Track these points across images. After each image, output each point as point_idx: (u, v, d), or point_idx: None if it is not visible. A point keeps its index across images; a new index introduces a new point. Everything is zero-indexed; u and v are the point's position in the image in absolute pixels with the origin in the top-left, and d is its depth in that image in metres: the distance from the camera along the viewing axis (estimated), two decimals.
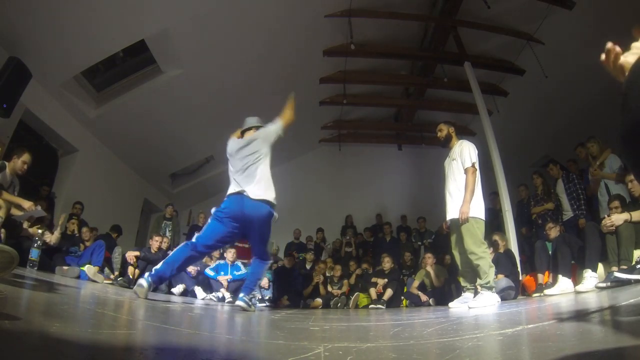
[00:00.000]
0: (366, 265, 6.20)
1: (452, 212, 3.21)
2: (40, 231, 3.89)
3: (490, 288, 2.97)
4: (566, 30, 5.75)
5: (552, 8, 5.61)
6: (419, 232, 7.43)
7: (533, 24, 5.99)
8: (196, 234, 2.79)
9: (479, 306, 2.85)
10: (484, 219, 3.12)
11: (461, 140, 3.34)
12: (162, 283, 3.39)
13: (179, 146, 7.20)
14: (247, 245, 7.11)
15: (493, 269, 3.06)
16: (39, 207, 3.55)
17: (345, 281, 5.77)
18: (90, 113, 5.65)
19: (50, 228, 4.75)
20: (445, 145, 3.44)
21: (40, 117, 5.00)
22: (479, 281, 3.04)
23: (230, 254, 5.35)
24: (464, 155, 3.17)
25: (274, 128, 2.99)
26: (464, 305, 3.05)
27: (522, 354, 0.96)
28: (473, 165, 3.12)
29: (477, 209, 3.09)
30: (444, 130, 3.44)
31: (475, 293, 3.13)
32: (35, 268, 3.65)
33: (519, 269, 4.29)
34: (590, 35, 5.55)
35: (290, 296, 5.57)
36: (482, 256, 3.01)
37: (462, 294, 3.29)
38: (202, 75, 5.90)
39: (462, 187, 3.15)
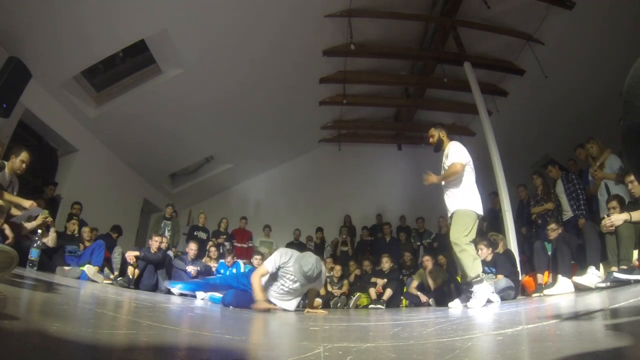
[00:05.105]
0: (366, 264, 6.20)
1: (451, 212, 3.22)
2: (40, 231, 3.87)
3: (480, 281, 2.95)
4: (566, 30, 5.75)
5: (552, 8, 5.60)
6: (419, 232, 7.43)
7: (533, 24, 5.99)
8: None
9: (477, 303, 2.85)
10: (478, 213, 3.13)
11: (450, 142, 3.41)
12: None
13: (179, 146, 7.19)
14: (246, 246, 7.14)
15: (478, 261, 3.04)
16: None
17: (345, 281, 5.76)
18: (90, 113, 5.65)
19: (48, 229, 4.73)
20: (438, 149, 3.51)
21: (40, 117, 4.99)
22: (466, 279, 3.02)
23: (229, 256, 5.35)
24: (451, 155, 3.26)
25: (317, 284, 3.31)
26: (463, 305, 3.05)
27: (521, 354, 0.96)
28: (463, 164, 3.17)
29: (473, 203, 3.13)
30: (435, 135, 3.51)
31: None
32: (35, 268, 3.64)
33: (519, 269, 4.28)
34: (590, 35, 5.56)
35: None
36: (465, 248, 2.99)
37: (462, 294, 3.29)
38: (202, 75, 5.89)
39: (459, 185, 3.19)
